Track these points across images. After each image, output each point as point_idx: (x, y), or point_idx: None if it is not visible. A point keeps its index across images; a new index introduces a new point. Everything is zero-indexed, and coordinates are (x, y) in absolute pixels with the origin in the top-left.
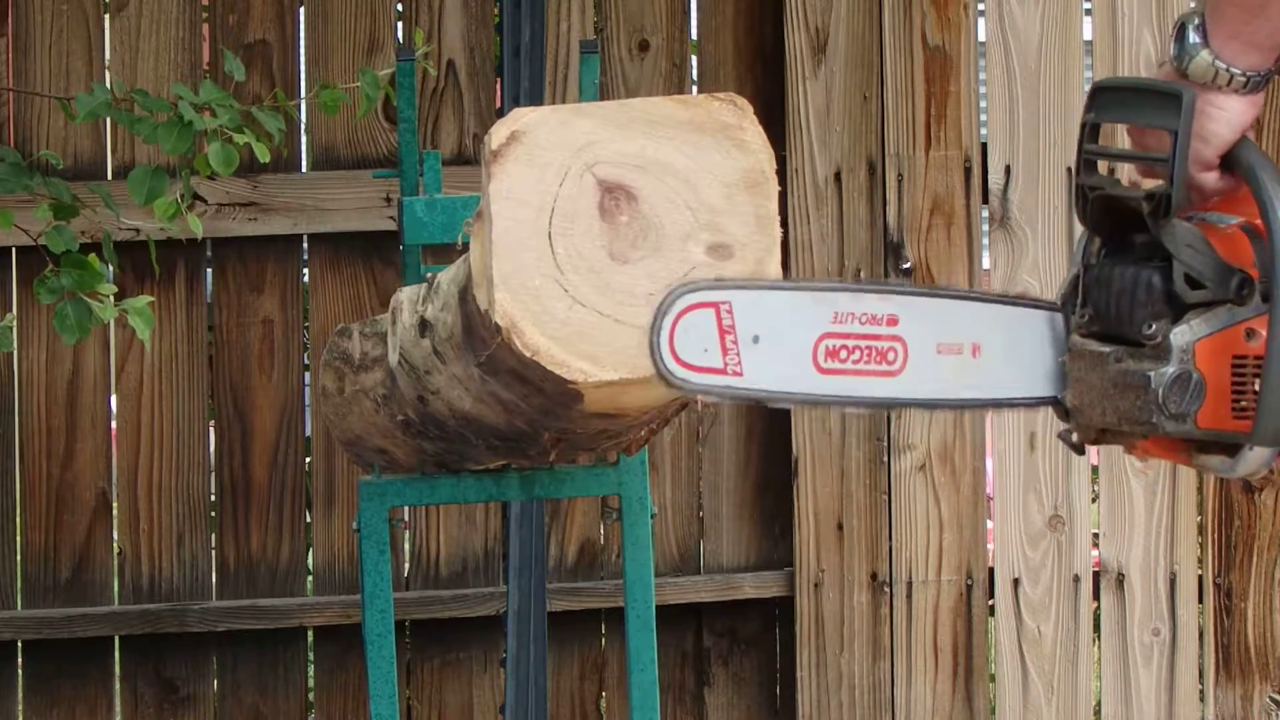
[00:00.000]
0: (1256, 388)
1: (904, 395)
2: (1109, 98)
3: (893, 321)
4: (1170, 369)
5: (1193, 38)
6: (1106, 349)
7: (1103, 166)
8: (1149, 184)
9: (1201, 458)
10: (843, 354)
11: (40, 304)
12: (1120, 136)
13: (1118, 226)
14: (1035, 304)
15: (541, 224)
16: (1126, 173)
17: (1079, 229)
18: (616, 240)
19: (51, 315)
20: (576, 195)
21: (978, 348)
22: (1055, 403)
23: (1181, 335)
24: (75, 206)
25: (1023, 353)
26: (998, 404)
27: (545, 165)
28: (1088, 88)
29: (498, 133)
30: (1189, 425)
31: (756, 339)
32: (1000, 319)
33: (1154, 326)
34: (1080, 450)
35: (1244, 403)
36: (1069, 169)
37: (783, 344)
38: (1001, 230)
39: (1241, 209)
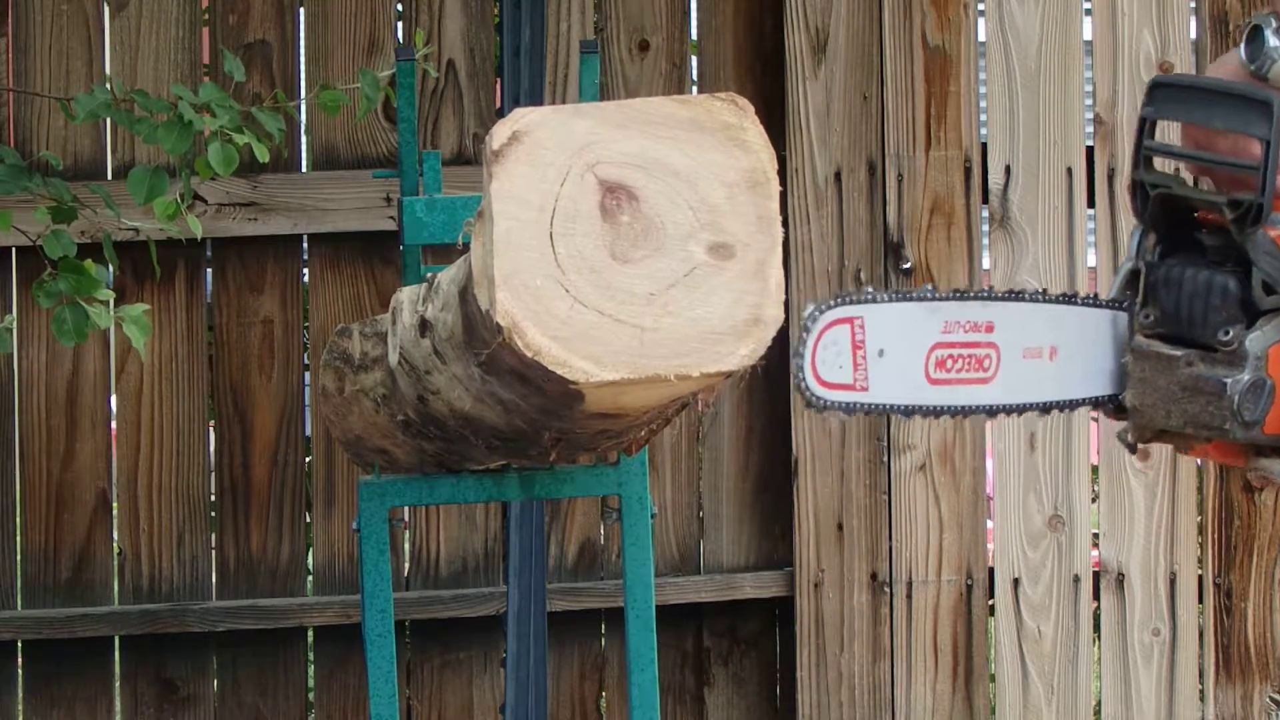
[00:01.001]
0: None
1: (997, 401)
2: (1169, 94)
3: (990, 329)
4: (1246, 376)
5: (1273, 41)
6: (1177, 352)
7: (1159, 163)
8: (1205, 183)
9: (1261, 461)
10: (949, 364)
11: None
12: (1167, 131)
13: (1177, 225)
14: (1098, 303)
15: (543, 224)
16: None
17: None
18: (618, 240)
19: (50, 317)
20: (578, 195)
21: (1055, 350)
22: (1111, 401)
23: (1257, 341)
24: (73, 209)
25: (1090, 353)
26: (1067, 405)
27: (546, 165)
28: (1088, 88)
29: (499, 133)
30: (1256, 431)
31: (881, 353)
32: (1074, 320)
33: (1230, 332)
34: (1134, 450)
35: None
36: (1069, 169)
37: (901, 356)
38: (1001, 230)
39: None
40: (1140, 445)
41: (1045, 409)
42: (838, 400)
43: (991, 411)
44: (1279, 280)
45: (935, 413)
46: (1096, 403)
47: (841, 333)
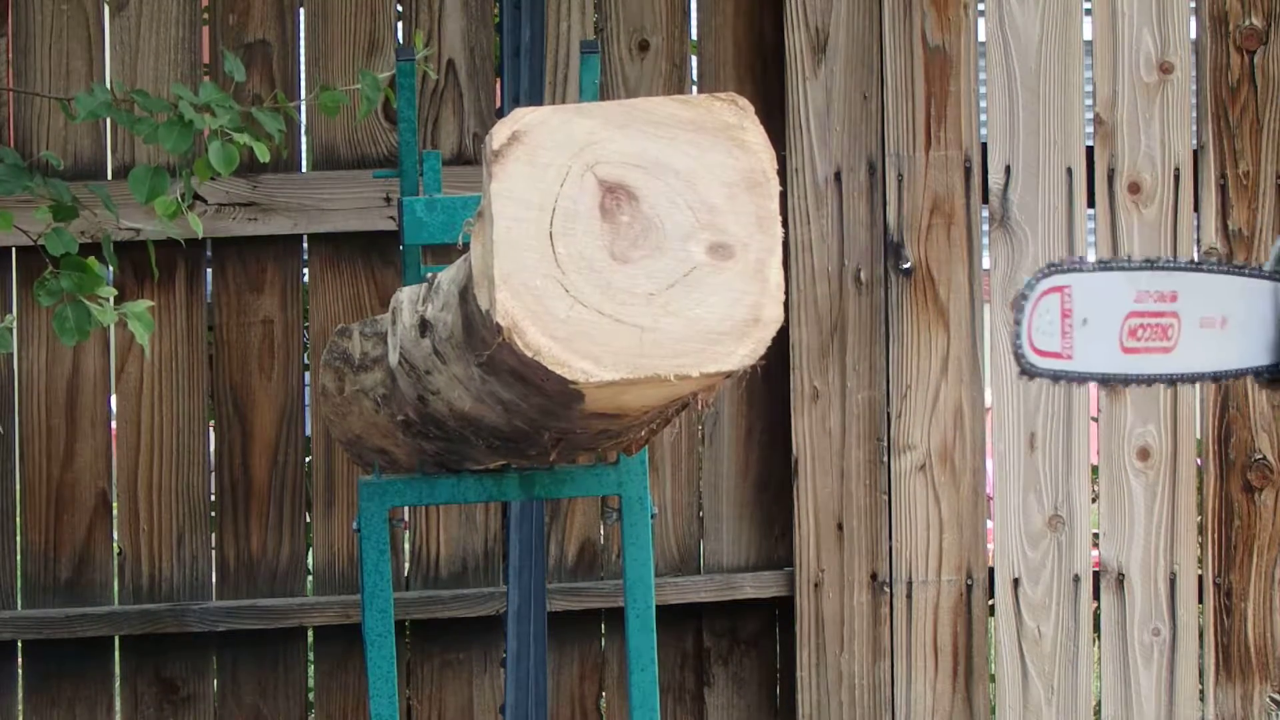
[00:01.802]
0: None
1: (1178, 370)
2: None
3: (1174, 298)
4: None
5: None
6: None
7: None
8: None
9: None
10: (1140, 333)
11: (40, 305)
12: None
13: None
14: (1262, 274)
15: (543, 224)
16: None
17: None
18: (617, 240)
19: (52, 315)
20: (577, 195)
21: (1226, 320)
22: (1269, 371)
23: None
24: (74, 208)
25: (1255, 323)
26: (1235, 374)
27: (546, 165)
28: (1088, 88)
29: (499, 133)
30: None
31: (1085, 321)
32: (1245, 291)
33: None
34: None
35: None
36: (1069, 169)
37: (1102, 324)
38: (1001, 230)
39: None
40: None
41: (1216, 379)
42: (1049, 368)
43: (1171, 381)
44: None
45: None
46: (1255, 372)
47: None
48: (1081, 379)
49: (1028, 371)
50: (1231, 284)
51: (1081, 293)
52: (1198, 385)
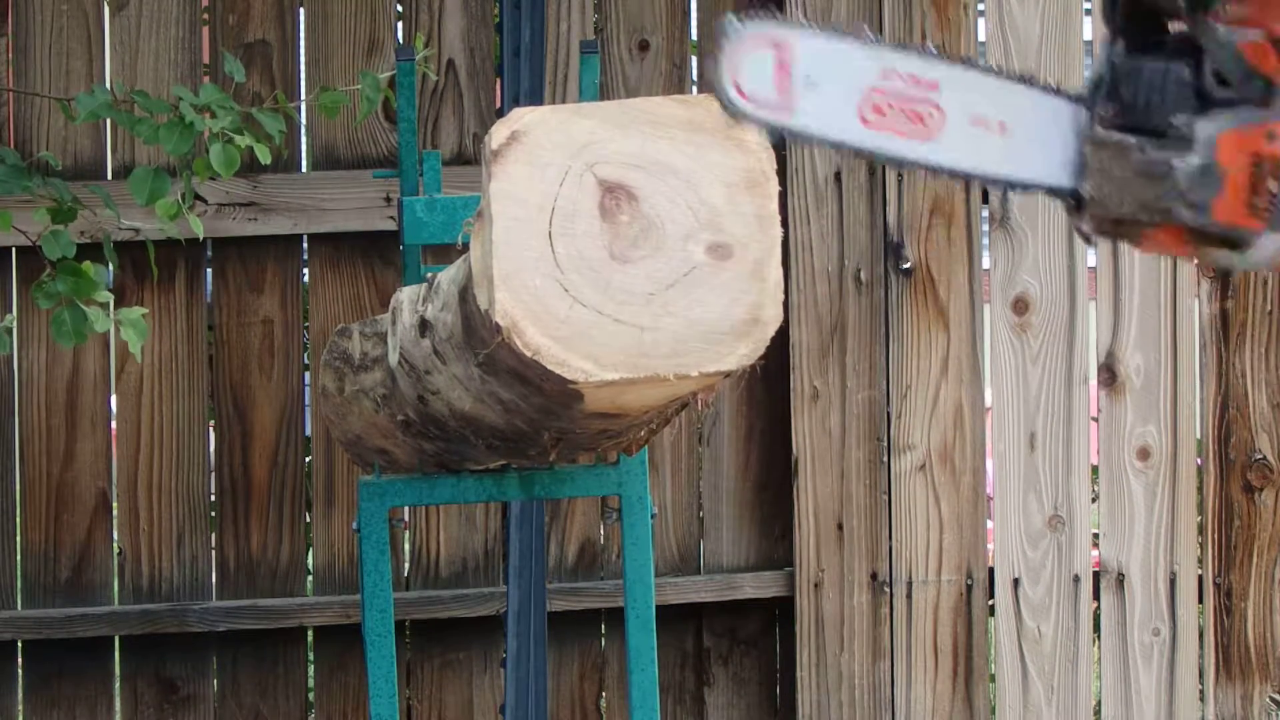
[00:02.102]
0: (1273, 187)
1: (941, 162)
2: None
3: (934, 87)
4: (1195, 159)
5: None
6: (1132, 140)
7: None
8: None
9: (1208, 251)
10: (888, 111)
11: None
12: None
13: (1143, 29)
14: (1061, 93)
15: (542, 224)
16: None
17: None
18: (617, 240)
19: (50, 318)
20: (577, 195)
21: (1007, 127)
22: (1070, 194)
23: (1206, 127)
24: (73, 210)
25: (1047, 138)
26: (1022, 186)
27: (546, 165)
28: None
29: (498, 133)
30: (1206, 217)
31: (811, 80)
32: (1036, 105)
33: (1181, 117)
34: (1090, 241)
35: (1259, 201)
36: None
37: (833, 91)
38: (1001, 230)
39: (1270, 23)
40: (1095, 236)
41: (994, 182)
42: (760, 116)
43: (934, 172)
44: (1230, 71)
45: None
46: (1054, 191)
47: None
48: (806, 139)
49: (730, 110)
50: (1014, 91)
51: (806, 53)
52: (1011, 196)
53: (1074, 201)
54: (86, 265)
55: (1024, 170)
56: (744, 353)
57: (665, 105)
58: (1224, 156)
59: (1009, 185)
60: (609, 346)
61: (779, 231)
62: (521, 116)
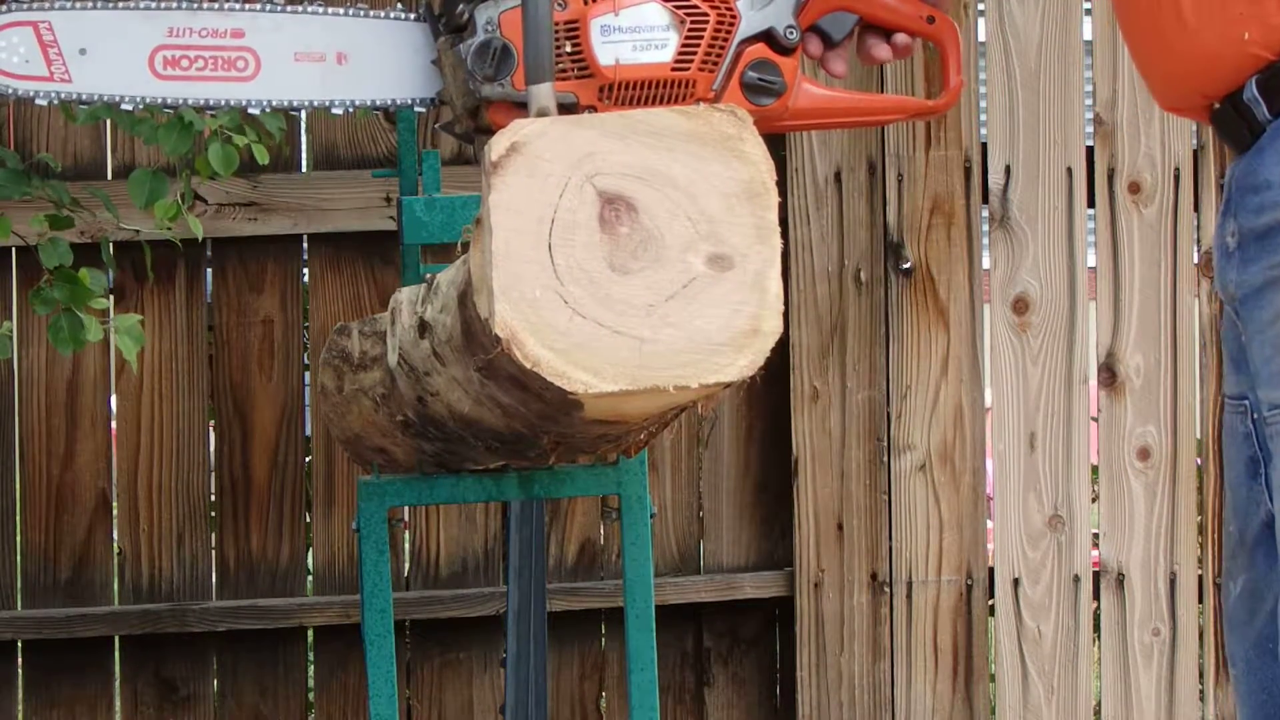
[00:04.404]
0: (567, 48)
1: (261, 97)
2: None
3: (238, 34)
4: (476, 39)
5: None
6: (444, 38)
7: None
8: None
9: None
10: (185, 63)
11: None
12: None
13: None
14: (401, 16)
15: (541, 235)
16: None
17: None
18: (617, 251)
19: (48, 324)
20: (577, 206)
21: (343, 55)
22: (431, 104)
23: (484, 11)
24: (70, 218)
25: (396, 59)
26: (375, 107)
27: (545, 176)
28: (1088, 88)
29: (498, 144)
30: (508, 89)
31: (84, 51)
32: (362, 29)
33: (462, 7)
34: (469, 139)
35: (560, 64)
36: (1069, 169)
37: (111, 56)
38: (1001, 230)
39: None
40: (476, 136)
41: (330, 108)
42: (30, 89)
43: (257, 106)
44: None
45: (170, 106)
46: (421, 104)
47: (24, 34)
48: (89, 101)
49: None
50: (341, 23)
51: (67, 29)
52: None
53: (436, 110)
54: (83, 273)
55: (373, 92)
56: (744, 364)
57: (666, 116)
58: (509, 33)
59: (363, 108)
60: (609, 358)
61: (779, 243)
62: (522, 127)
